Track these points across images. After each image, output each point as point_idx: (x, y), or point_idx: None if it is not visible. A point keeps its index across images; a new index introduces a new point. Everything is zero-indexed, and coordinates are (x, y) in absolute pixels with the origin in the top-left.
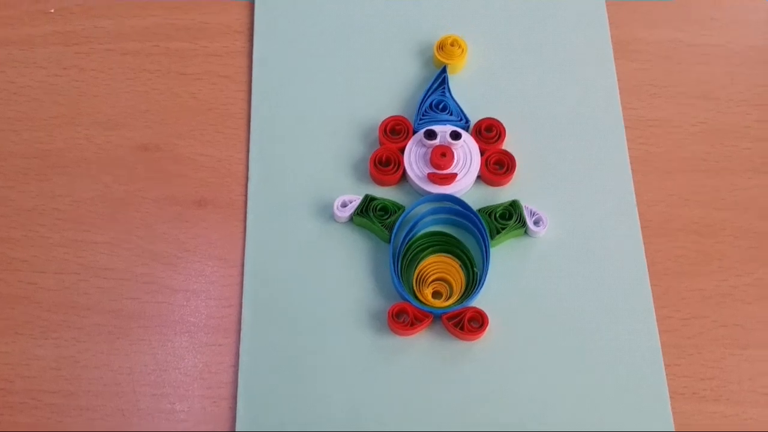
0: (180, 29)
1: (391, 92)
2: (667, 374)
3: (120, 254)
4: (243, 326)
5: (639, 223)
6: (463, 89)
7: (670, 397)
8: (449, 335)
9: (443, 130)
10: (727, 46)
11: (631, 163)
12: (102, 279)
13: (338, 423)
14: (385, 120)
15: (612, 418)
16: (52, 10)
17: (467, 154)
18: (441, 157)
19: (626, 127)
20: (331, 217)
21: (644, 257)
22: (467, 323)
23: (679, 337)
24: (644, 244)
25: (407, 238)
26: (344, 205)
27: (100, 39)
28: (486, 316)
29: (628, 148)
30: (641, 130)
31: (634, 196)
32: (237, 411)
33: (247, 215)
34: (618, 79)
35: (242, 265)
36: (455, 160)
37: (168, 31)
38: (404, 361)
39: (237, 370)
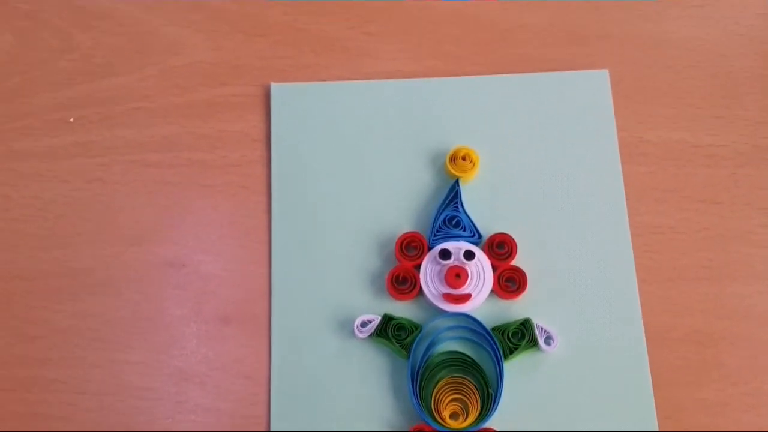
0: (199, 138)
1: (406, 203)
2: None
3: (152, 374)
4: None
5: (644, 333)
6: (474, 200)
7: None
8: None
9: (457, 248)
10: (731, 146)
11: (636, 270)
12: (137, 399)
13: None
14: (401, 236)
15: None
16: (72, 120)
17: (480, 271)
18: (455, 278)
19: (631, 234)
20: (351, 333)
21: (648, 369)
22: None
23: None
24: (648, 354)
25: (425, 356)
26: (364, 324)
27: (120, 149)
28: None
29: (634, 256)
30: (646, 237)
31: (639, 305)
32: None
33: (272, 333)
34: (624, 184)
35: (268, 383)
36: (469, 279)
37: (188, 141)
38: None
39: None
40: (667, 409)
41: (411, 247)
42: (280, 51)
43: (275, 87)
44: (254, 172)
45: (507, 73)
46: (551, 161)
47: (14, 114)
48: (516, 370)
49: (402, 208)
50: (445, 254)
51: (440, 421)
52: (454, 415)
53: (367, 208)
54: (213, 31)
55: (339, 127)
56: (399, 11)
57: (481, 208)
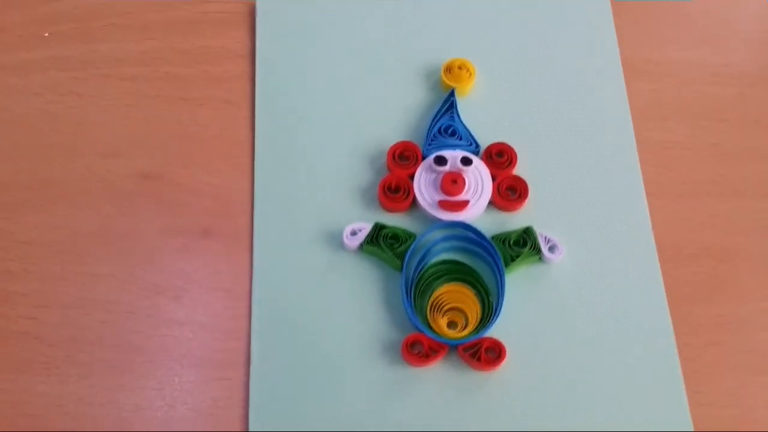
0: (179, 53)
1: (398, 117)
2: (689, 403)
3: (123, 287)
4: (252, 359)
5: (655, 247)
6: (471, 113)
7: (694, 427)
8: (465, 366)
9: (453, 156)
10: (737, 66)
11: (644, 186)
12: (105, 312)
13: None
14: (393, 145)
15: None
16: (47, 34)
17: (478, 179)
18: (452, 183)
19: (638, 149)
20: (340, 246)
21: (662, 282)
22: (484, 354)
23: (699, 364)
24: (660, 269)
25: (419, 267)
26: (354, 233)
27: (97, 64)
28: (503, 346)
29: (642, 170)
30: (654, 153)
31: (649, 220)
32: None
33: (254, 245)
34: (629, 101)
35: (249, 297)
36: (466, 186)
37: (167, 56)
38: (419, 392)
39: (247, 404)
40: (684, 326)
41: (404, 157)
42: None
43: (261, 1)
44: (238, 87)
45: None
46: (552, 77)
47: None
48: (519, 282)
49: (394, 121)
50: (441, 161)
51: (437, 330)
52: (452, 325)
53: (357, 120)
54: None
55: (328, 40)
56: None
57: (479, 121)
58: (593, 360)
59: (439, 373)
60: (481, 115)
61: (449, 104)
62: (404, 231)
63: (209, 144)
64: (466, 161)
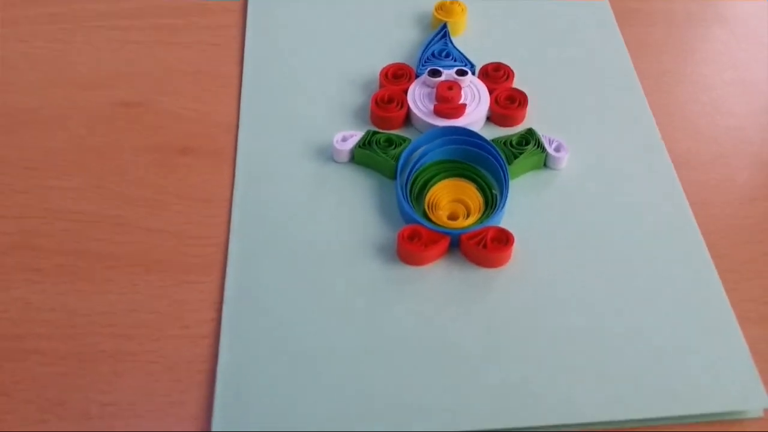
0: (172, 8)
1: (390, 49)
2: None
3: (90, 198)
4: (229, 260)
5: (668, 154)
6: (464, 48)
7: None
8: (468, 263)
9: (448, 70)
10: (730, 14)
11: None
12: (68, 222)
13: (339, 353)
14: (385, 67)
15: (675, 344)
16: None
17: (475, 92)
18: (448, 90)
19: (640, 78)
20: (330, 159)
21: (679, 183)
22: (490, 242)
23: (732, 262)
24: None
25: (416, 168)
26: (344, 139)
27: (88, 18)
28: (511, 234)
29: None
30: (652, 78)
31: (657, 129)
32: (219, 349)
33: (237, 160)
34: (624, 42)
35: (230, 206)
36: (463, 96)
37: (159, 11)
38: (418, 291)
39: (221, 307)
40: (709, 226)
41: (397, 75)
42: None
43: None
44: (228, 33)
45: None
46: (544, 17)
47: None
48: (525, 186)
49: (386, 52)
50: (435, 73)
51: (437, 221)
52: (452, 217)
53: (349, 52)
54: None
55: (320, 1)
56: None
57: (473, 54)
58: (615, 256)
59: (439, 271)
60: (475, 50)
61: (442, 34)
62: (398, 136)
63: (193, 77)
64: (462, 73)
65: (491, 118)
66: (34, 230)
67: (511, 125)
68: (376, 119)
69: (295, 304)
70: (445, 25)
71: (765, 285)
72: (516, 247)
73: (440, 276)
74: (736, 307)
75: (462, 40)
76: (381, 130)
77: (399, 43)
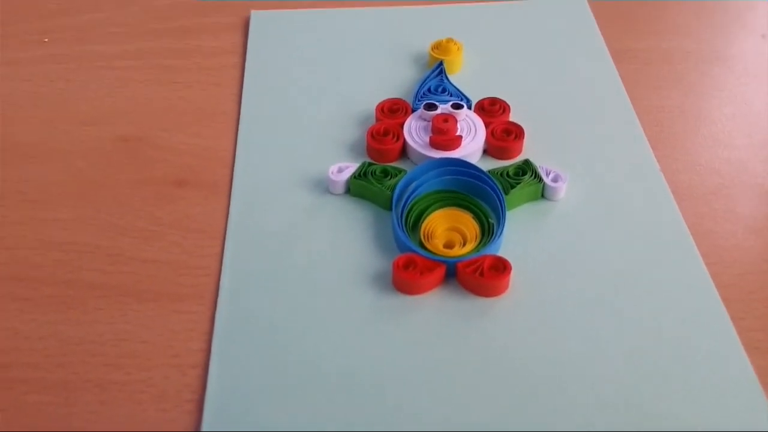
0: (174, 50)
1: (387, 88)
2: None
3: (84, 230)
4: (221, 290)
5: (666, 184)
6: (460, 86)
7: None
8: (464, 292)
9: (444, 104)
10: (720, 53)
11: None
12: (60, 252)
13: (331, 384)
14: (381, 102)
15: (679, 372)
16: (46, 40)
17: (471, 125)
18: (444, 122)
19: (638, 114)
20: (325, 191)
21: (679, 213)
22: (487, 270)
23: (738, 292)
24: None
25: (411, 197)
26: (340, 170)
27: (92, 59)
28: (508, 262)
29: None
30: (650, 114)
31: (654, 159)
32: (208, 379)
33: (232, 191)
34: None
35: (224, 237)
36: (459, 128)
37: (161, 52)
38: (412, 321)
39: (211, 337)
40: (713, 256)
41: (393, 110)
42: None
43: (255, 13)
44: (228, 74)
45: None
46: (538, 54)
47: None
48: (522, 217)
49: (383, 91)
50: (431, 107)
51: (432, 249)
52: (448, 246)
53: (346, 92)
54: None
55: (318, 44)
56: None
57: (469, 91)
58: (616, 287)
59: (434, 300)
60: (471, 88)
61: (438, 71)
62: (394, 167)
63: (193, 114)
64: (458, 106)
65: (488, 151)
66: (26, 260)
67: (507, 158)
68: (372, 152)
69: (287, 335)
70: (440, 63)
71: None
72: (513, 277)
73: (436, 305)
74: (743, 337)
75: (458, 77)
76: (377, 162)
77: (395, 81)
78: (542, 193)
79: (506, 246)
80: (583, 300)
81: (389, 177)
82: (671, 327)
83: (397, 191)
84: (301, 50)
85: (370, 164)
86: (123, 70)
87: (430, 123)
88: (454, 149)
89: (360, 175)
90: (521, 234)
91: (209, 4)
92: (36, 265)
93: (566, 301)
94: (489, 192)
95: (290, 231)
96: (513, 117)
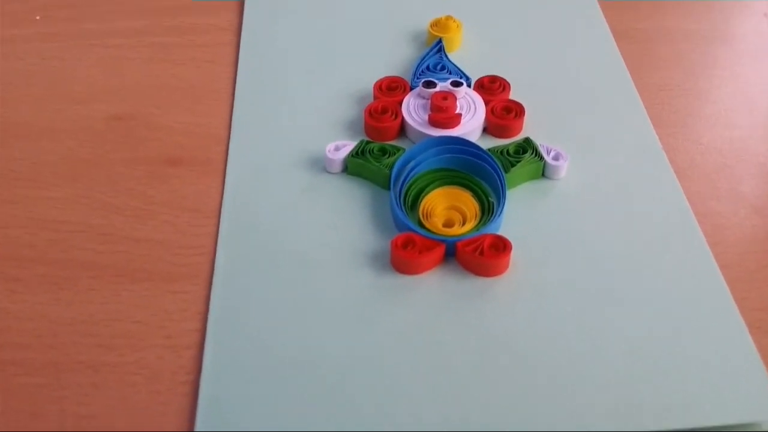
0: (167, 28)
1: (384, 64)
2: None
3: (76, 209)
4: (216, 270)
5: (669, 164)
6: (460, 63)
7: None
8: (464, 272)
9: (443, 82)
10: (725, 29)
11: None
12: (52, 231)
13: (328, 365)
14: (379, 79)
15: (683, 355)
16: (38, 17)
17: (470, 102)
18: (443, 100)
19: (641, 95)
20: (322, 170)
21: (682, 192)
22: (487, 249)
23: (741, 271)
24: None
25: (410, 176)
26: (337, 148)
27: (84, 37)
28: (508, 241)
29: (646, 108)
30: (651, 91)
31: (656, 137)
32: (203, 360)
33: (227, 170)
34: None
35: (219, 216)
36: (458, 106)
37: (155, 30)
38: (411, 301)
39: (206, 318)
40: (716, 235)
41: (391, 88)
42: None
43: None
44: (222, 51)
45: None
46: (540, 34)
47: None
48: (523, 196)
49: (380, 68)
50: (430, 84)
51: (431, 228)
52: (448, 225)
53: (343, 68)
54: None
55: (313, 18)
56: None
57: (469, 69)
58: (618, 266)
59: (433, 280)
60: (471, 66)
61: (437, 49)
62: (392, 146)
63: (186, 92)
64: (457, 84)
65: (487, 129)
66: (17, 240)
67: (508, 136)
68: (369, 130)
69: (283, 315)
70: (440, 41)
71: None
72: (513, 256)
73: (435, 285)
74: (746, 316)
75: (458, 55)
76: (375, 141)
77: (393, 59)
78: (543, 171)
79: (506, 225)
80: (583, 281)
81: (387, 155)
82: (673, 308)
83: (395, 170)
84: (297, 27)
85: (367, 142)
86: (116, 48)
87: (429, 101)
88: (453, 127)
89: (357, 153)
90: (522, 213)
91: None
92: (27, 244)
93: (567, 282)
94: (489, 170)
95: (286, 210)
96: (513, 95)
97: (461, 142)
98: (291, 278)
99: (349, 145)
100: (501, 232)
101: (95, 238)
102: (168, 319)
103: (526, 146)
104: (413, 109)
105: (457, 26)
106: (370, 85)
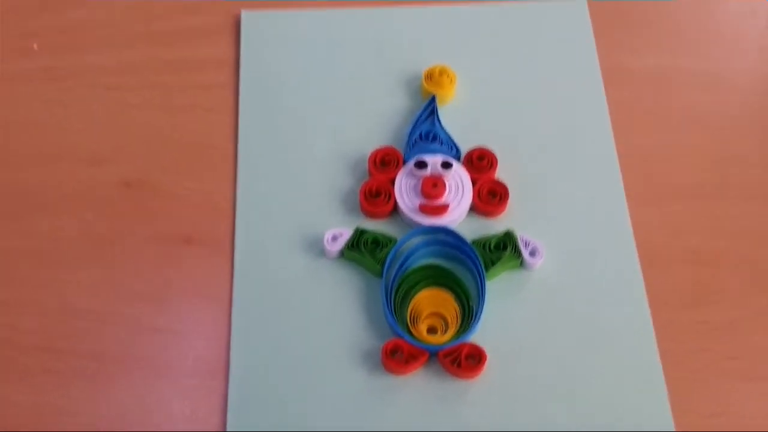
0: (164, 62)
1: (380, 123)
2: (674, 410)
3: (103, 295)
4: (231, 368)
5: (636, 252)
6: (452, 119)
7: None
8: (446, 373)
9: (434, 160)
10: (718, 72)
11: (625, 191)
12: (83, 321)
13: None
14: (374, 151)
15: None
16: (35, 46)
17: (459, 184)
18: (432, 187)
19: (619, 154)
20: (321, 253)
21: (644, 288)
22: (464, 360)
23: (684, 370)
24: (642, 274)
25: (400, 272)
26: (334, 238)
27: (83, 74)
28: (484, 352)
29: (622, 176)
30: (634, 157)
31: (630, 226)
32: None
33: (235, 252)
34: (608, 106)
35: (230, 304)
36: (447, 190)
37: (152, 64)
38: (400, 400)
39: (225, 412)
40: (668, 332)
41: (385, 162)
42: None
43: (246, 14)
44: (222, 95)
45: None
46: (532, 85)
47: None
48: (500, 289)
49: (375, 128)
50: (421, 165)
51: (417, 335)
52: (432, 330)
53: (339, 127)
54: None
55: (311, 54)
56: None
57: (460, 128)
58: (575, 366)
59: (419, 381)
60: (462, 121)
61: (430, 110)
62: (384, 236)
63: (191, 150)
64: (447, 165)
65: (474, 209)
66: (53, 329)
67: (492, 216)
68: (365, 211)
69: (293, 411)
70: (433, 99)
71: (710, 395)
72: (488, 353)
73: (419, 386)
74: (684, 419)
75: (451, 109)
76: (369, 219)
77: (389, 112)
78: (521, 263)
79: (483, 317)
80: (546, 378)
81: (380, 247)
82: (616, 412)
83: (387, 263)
84: (293, 65)
85: (362, 232)
86: (118, 91)
87: (420, 181)
88: (441, 215)
89: (353, 245)
90: (498, 306)
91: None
92: (62, 335)
93: (534, 379)
94: (472, 269)
95: (289, 300)
96: (501, 166)
97: (448, 234)
98: (296, 375)
99: (345, 234)
100: (479, 325)
101: (122, 329)
102: (194, 416)
103: (507, 241)
104: (405, 191)
105: (451, 81)
106: (365, 146)
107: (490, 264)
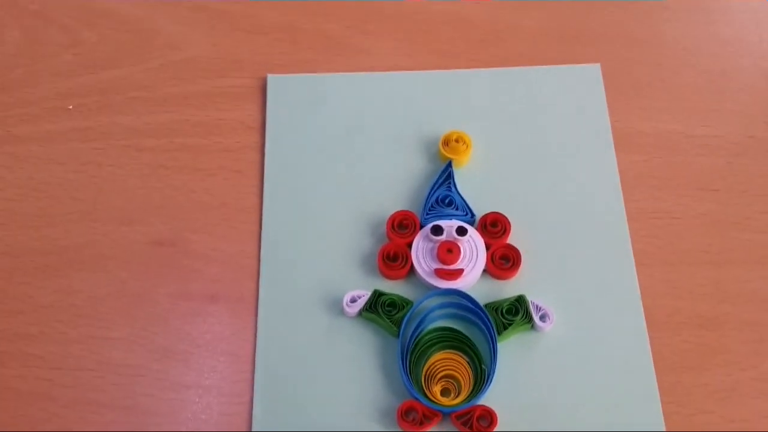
0: (195, 125)
1: (399, 186)
2: None
3: (135, 350)
4: (254, 423)
5: (644, 317)
6: (468, 183)
7: None
8: None
9: (449, 225)
10: (726, 137)
11: (634, 255)
12: (117, 375)
13: None
14: (392, 215)
15: None
16: (71, 107)
17: (473, 249)
18: (447, 253)
19: (628, 219)
20: (341, 312)
21: (650, 352)
22: (476, 422)
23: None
24: (649, 338)
25: (416, 333)
26: (353, 300)
27: (117, 135)
28: (495, 414)
29: (631, 240)
30: (643, 221)
31: (638, 290)
32: None
33: (259, 310)
34: (619, 172)
35: (253, 361)
36: (461, 255)
37: (184, 128)
38: None
39: None
40: (672, 395)
41: (403, 226)
42: (278, 48)
43: (272, 78)
44: (248, 157)
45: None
46: (545, 149)
47: (16, 102)
48: (511, 350)
49: (394, 192)
50: (437, 230)
51: (431, 397)
52: (445, 392)
53: (360, 191)
54: (213, 30)
55: (334, 116)
56: (396, 11)
57: (475, 191)
58: (582, 426)
59: None
60: (477, 185)
61: (446, 175)
62: (401, 298)
63: (219, 211)
64: (462, 231)
65: (487, 271)
66: (89, 383)
67: (504, 279)
68: (383, 273)
69: None
70: (449, 164)
71: None
72: (499, 413)
73: None
74: None
75: (466, 172)
76: (387, 280)
77: (408, 175)
78: (531, 326)
79: (495, 379)
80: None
81: (396, 309)
82: None
83: (403, 325)
84: (316, 127)
85: (380, 294)
86: (149, 152)
87: (436, 246)
88: (456, 280)
89: (370, 307)
90: (509, 367)
91: (224, 60)
92: (98, 389)
93: None
94: (485, 332)
95: (310, 358)
96: (513, 231)
97: (463, 297)
98: None
99: (363, 297)
100: (490, 387)
101: (153, 384)
102: None
103: (518, 307)
104: (421, 254)
105: (466, 148)
106: (385, 207)
107: (502, 328)
